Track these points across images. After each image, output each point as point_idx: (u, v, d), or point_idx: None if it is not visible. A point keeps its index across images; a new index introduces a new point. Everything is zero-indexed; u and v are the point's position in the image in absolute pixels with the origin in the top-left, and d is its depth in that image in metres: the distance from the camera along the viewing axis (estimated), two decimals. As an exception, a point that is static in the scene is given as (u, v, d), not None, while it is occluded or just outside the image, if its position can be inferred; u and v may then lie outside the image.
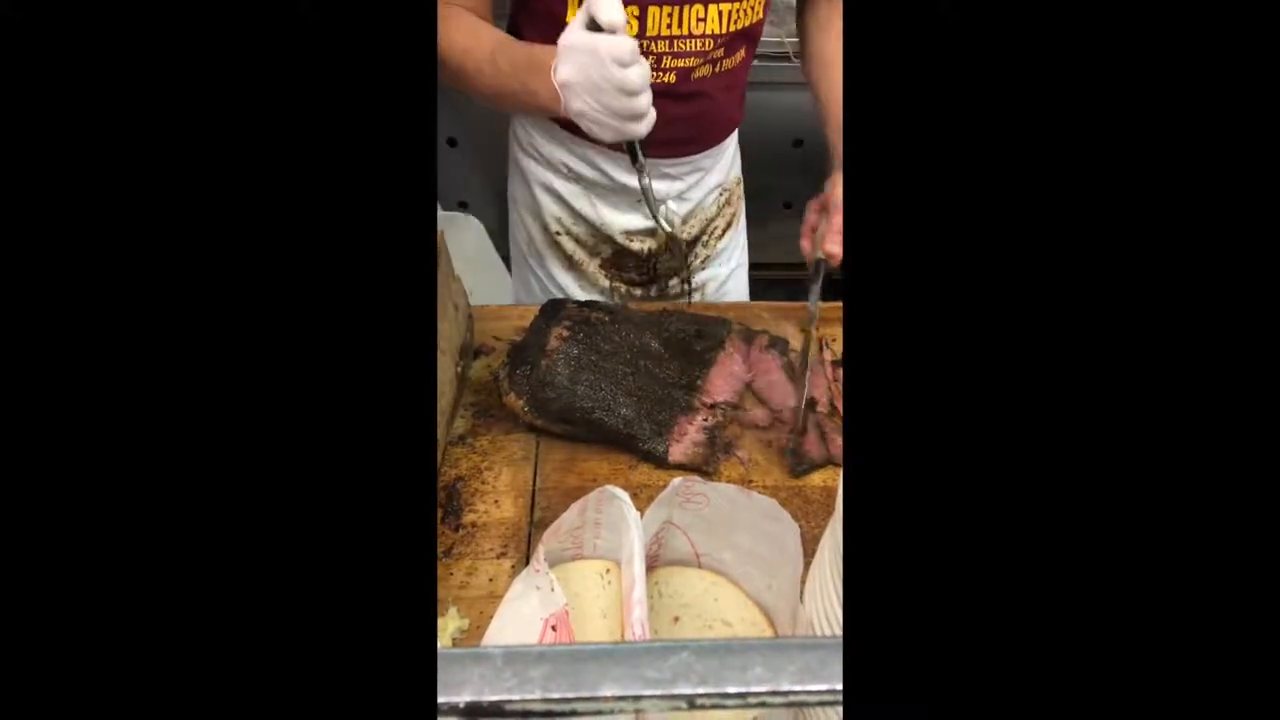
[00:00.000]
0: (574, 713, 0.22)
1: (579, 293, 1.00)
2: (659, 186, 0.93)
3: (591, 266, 0.99)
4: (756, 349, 0.84)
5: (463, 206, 1.66)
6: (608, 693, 0.22)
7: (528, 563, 0.60)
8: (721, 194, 1.03)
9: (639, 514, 0.51)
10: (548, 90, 0.72)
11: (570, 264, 1.00)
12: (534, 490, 0.73)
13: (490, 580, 0.65)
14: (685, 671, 0.23)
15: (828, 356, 0.86)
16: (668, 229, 0.83)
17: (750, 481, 0.74)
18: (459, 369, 0.80)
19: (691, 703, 0.23)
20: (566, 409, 0.74)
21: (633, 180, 0.88)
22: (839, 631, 0.43)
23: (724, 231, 1.05)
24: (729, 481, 0.72)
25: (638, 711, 0.23)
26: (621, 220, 0.96)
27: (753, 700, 0.23)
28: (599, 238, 0.97)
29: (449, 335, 0.76)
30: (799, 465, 0.75)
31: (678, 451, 0.75)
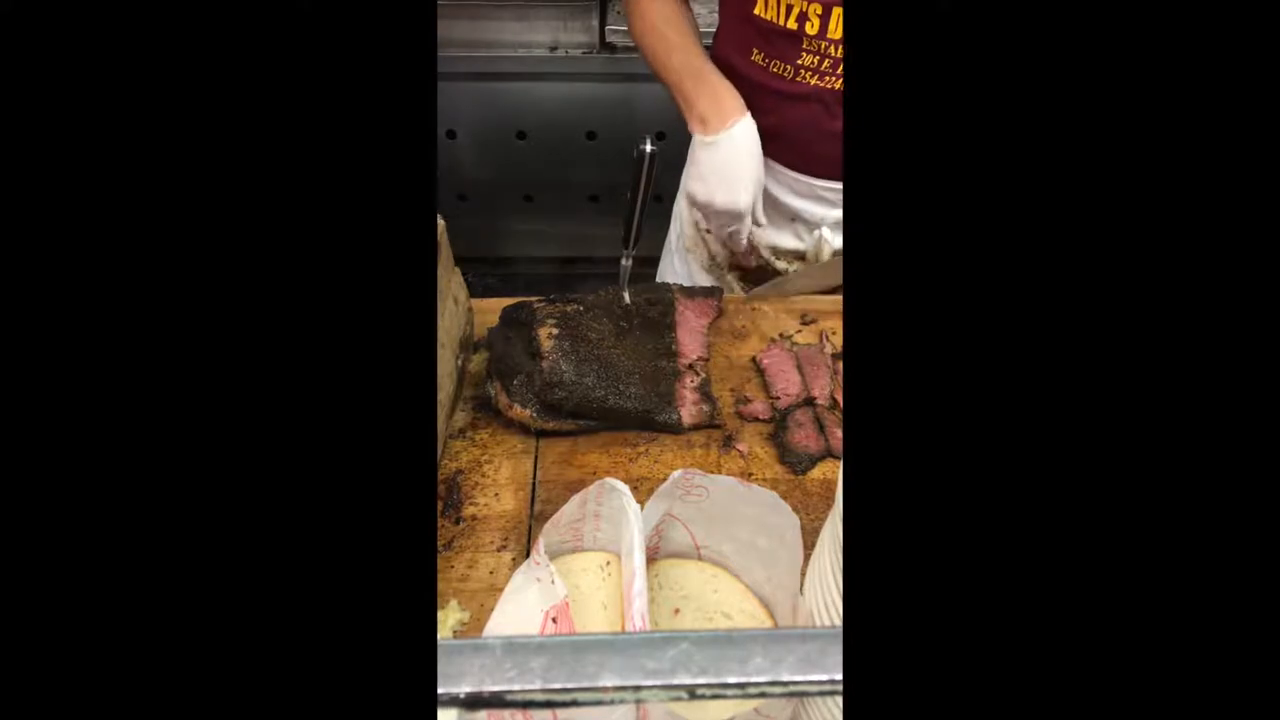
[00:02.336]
0: (574, 703, 0.22)
1: None
2: (811, 208, 0.92)
3: (731, 275, 0.99)
4: (701, 300, 0.89)
5: (461, 200, 1.66)
6: (608, 683, 0.22)
7: (528, 555, 0.60)
8: None
9: (639, 506, 0.51)
10: (701, 107, 0.80)
11: (712, 264, 1.00)
12: (534, 483, 0.73)
13: (491, 573, 0.66)
14: (685, 662, 0.23)
15: (828, 349, 0.86)
16: (626, 300, 0.84)
17: (750, 475, 0.75)
18: (459, 362, 0.80)
19: (692, 693, 0.23)
20: (581, 403, 0.74)
21: (792, 199, 0.92)
22: (839, 622, 0.43)
23: None
24: (730, 474, 0.72)
25: (639, 702, 0.23)
26: (770, 235, 0.95)
27: (752, 690, 0.23)
28: (746, 248, 0.97)
29: (449, 329, 0.76)
30: (797, 463, 0.75)
31: (687, 416, 0.77)
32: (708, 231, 0.97)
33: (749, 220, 0.82)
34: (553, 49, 1.47)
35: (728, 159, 0.79)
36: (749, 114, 0.81)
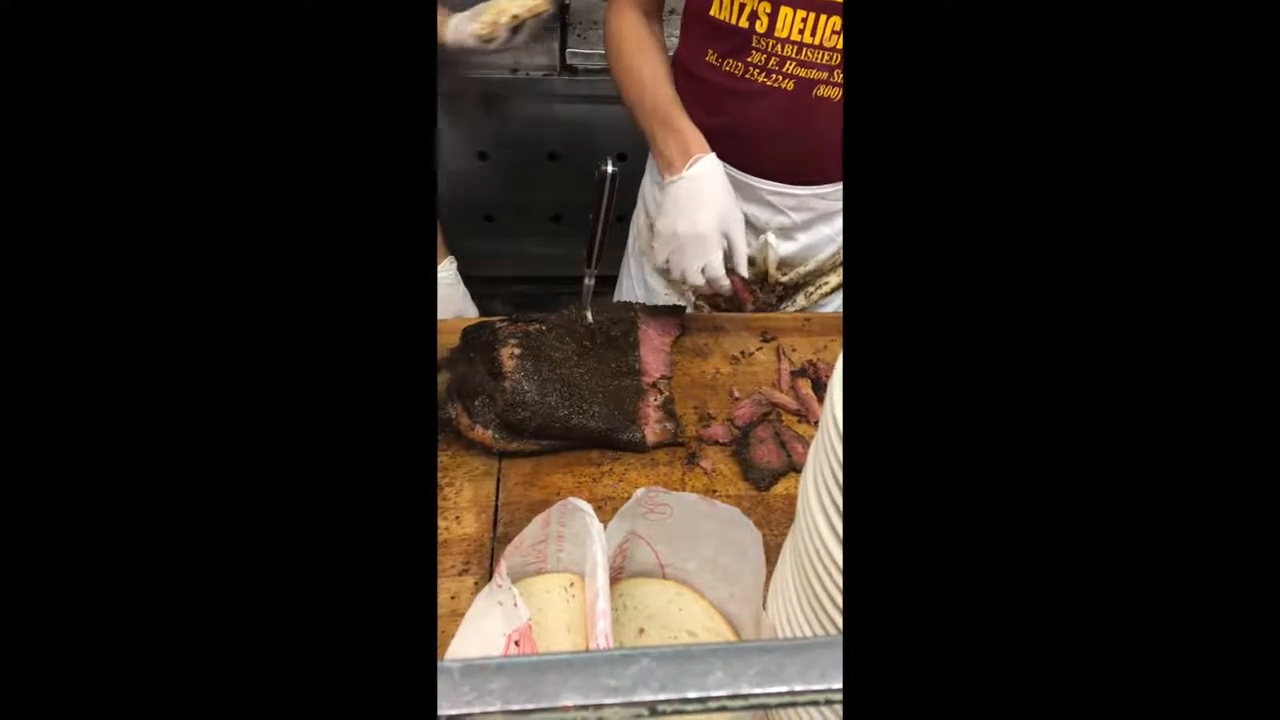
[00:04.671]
0: (534, 724, 0.22)
1: (663, 299, 1.00)
2: (756, 212, 0.93)
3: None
4: (664, 319, 0.89)
5: (488, 220, 1.66)
6: (568, 702, 0.22)
7: (491, 579, 0.59)
8: (841, 253, 0.99)
9: (602, 525, 0.51)
10: (668, 153, 0.84)
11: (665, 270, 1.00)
12: (496, 505, 0.72)
13: (452, 598, 0.64)
14: (645, 678, 0.23)
15: (786, 366, 0.87)
16: (589, 319, 0.83)
17: (714, 491, 0.75)
18: (419, 384, 0.79)
19: (653, 709, 0.23)
20: (545, 424, 0.74)
21: (739, 203, 0.91)
22: (800, 635, 0.43)
23: (835, 289, 1.01)
24: (694, 491, 0.73)
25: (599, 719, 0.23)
26: None
27: (713, 704, 0.23)
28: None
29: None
30: (760, 479, 0.75)
31: (651, 434, 0.77)
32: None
33: (718, 254, 0.81)
34: (514, 71, 1.48)
35: (690, 191, 0.82)
36: (712, 153, 0.84)
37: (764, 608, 0.51)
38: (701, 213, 0.81)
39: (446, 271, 1.05)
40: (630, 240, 1.07)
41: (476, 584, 0.65)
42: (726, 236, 0.82)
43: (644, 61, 0.88)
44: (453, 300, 1.04)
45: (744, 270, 0.84)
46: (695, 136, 0.84)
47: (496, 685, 0.22)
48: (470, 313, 1.07)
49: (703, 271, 0.81)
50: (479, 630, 0.50)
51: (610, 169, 0.75)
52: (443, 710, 0.22)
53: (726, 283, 0.83)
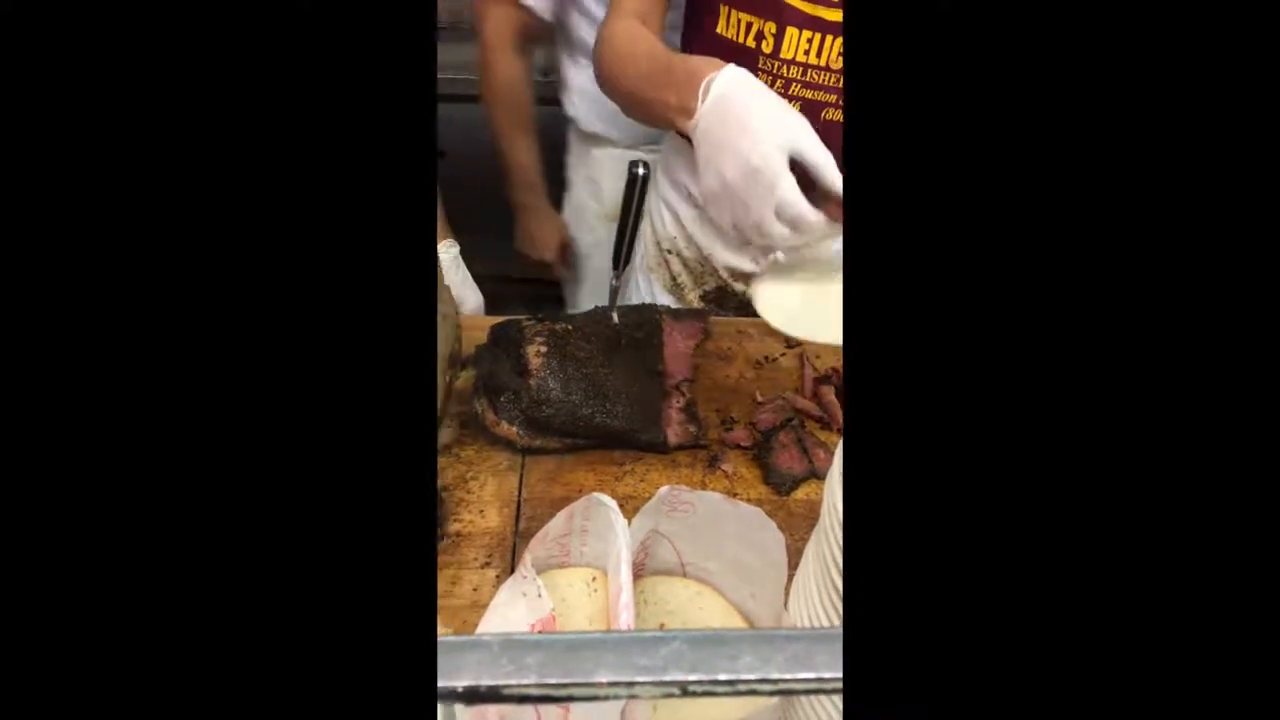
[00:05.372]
0: (570, 698, 0.23)
1: None
2: None
3: (692, 295, 1.00)
4: (688, 321, 0.88)
5: (506, 220, 1.68)
6: (602, 679, 0.23)
7: (513, 572, 0.60)
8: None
9: (626, 521, 0.52)
10: (678, 98, 0.66)
11: (674, 285, 1.00)
12: (519, 500, 0.73)
13: (474, 590, 0.65)
14: (677, 660, 0.23)
15: (810, 373, 0.87)
16: (615, 320, 0.82)
17: (735, 495, 0.75)
18: (448, 379, 0.80)
19: (684, 689, 0.23)
20: (569, 421, 0.75)
21: None
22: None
23: None
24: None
25: (630, 698, 0.24)
26: (729, 257, 0.95)
27: (742, 688, 0.23)
28: (705, 268, 0.97)
29: (438, 345, 0.76)
30: (782, 484, 0.76)
31: (673, 436, 0.77)
32: (669, 252, 0.92)
33: (788, 182, 0.59)
34: (545, 74, 1.50)
35: (719, 120, 0.63)
36: (731, 64, 0.66)
37: (785, 609, 0.52)
38: (746, 138, 0.59)
39: (447, 253, 1.04)
40: (638, 256, 1.06)
41: (498, 577, 0.66)
42: (793, 155, 0.60)
43: (649, 46, 0.79)
44: (451, 282, 1.02)
45: (837, 187, 0.59)
46: (704, 61, 0.67)
47: (533, 660, 0.23)
48: (471, 298, 1.07)
49: (778, 215, 0.59)
50: (504, 618, 0.51)
51: (642, 171, 0.76)
52: (482, 681, 0.23)
53: (815, 217, 0.59)
